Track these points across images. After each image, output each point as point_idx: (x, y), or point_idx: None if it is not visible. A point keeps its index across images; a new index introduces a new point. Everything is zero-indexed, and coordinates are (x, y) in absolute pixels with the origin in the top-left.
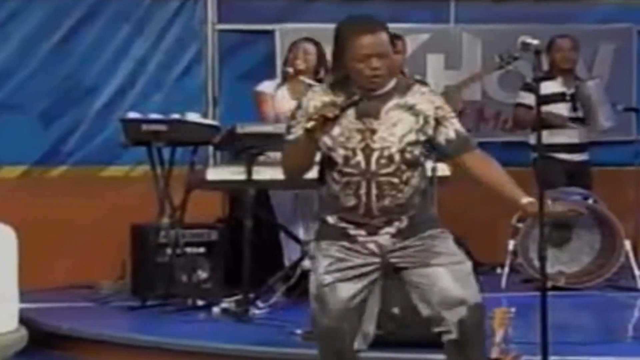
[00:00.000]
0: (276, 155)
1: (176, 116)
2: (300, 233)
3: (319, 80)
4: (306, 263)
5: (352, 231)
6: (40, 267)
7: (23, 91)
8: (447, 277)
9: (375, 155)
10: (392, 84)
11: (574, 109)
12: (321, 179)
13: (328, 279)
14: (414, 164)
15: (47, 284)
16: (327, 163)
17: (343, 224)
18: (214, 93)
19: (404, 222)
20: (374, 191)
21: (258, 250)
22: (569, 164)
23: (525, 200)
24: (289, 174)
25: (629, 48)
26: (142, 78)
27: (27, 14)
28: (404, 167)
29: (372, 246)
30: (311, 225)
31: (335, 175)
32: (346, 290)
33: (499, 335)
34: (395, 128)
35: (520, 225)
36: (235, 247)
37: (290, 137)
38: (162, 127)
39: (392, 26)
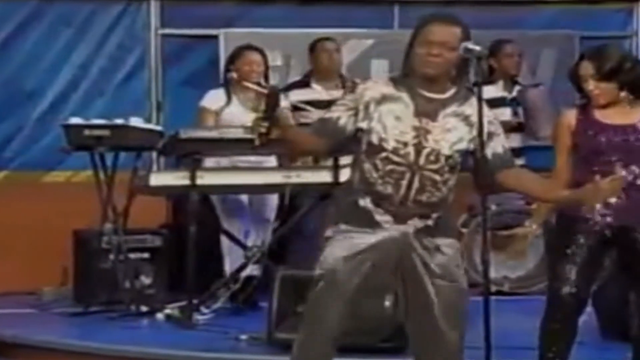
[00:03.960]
0: (219, 160)
1: (119, 121)
2: (251, 239)
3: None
4: (250, 269)
5: (379, 217)
6: None
7: None
8: (439, 309)
9: (426, 151)
10: (452, 91)
11: (515, 113)
12: (355, 166)
13: (338, 266)
14: (454, 169)
15: None
16: (370, 150)
17: (373, 207)
18: (157, 98)
19: (431, 221)
20: (415, 184)
21: (202, 256)
22: None
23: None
24: (303, 150)
25: (571, 54)
26: (84, 83)
27: None
28: (447, 168)
29: (395, 233)
30: (262, 231)
31: (379, 162)
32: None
33: None
34: (449, 134)
35: (464, 230)
36: (179, 252)
37: (327, 115)
38: (105, 132)
39: (336, 31)
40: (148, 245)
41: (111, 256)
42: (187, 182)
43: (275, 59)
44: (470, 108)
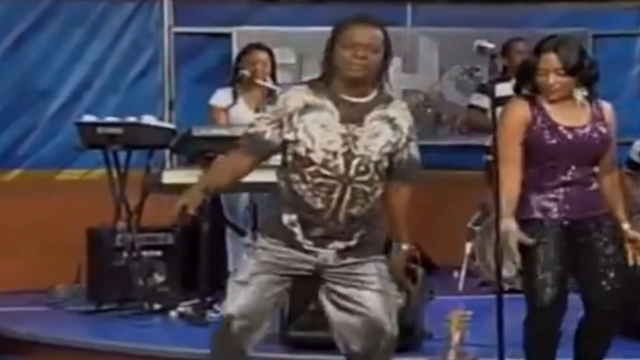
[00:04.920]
0: None
1: (132, 119)
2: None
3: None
4: None
5: (300, 238)
6: None
7: None
8: (375, 302)
9: (356, 161)
10: (374, 94)
11: None
12: (281, 176)
13: (251, 278)
14: (382, 177)
15: (2, 287)
16: (297, 162)
17: (296, 228)
18: (170, 96)
19: (354, 240)
20: (347, 197)
21: (214, 254)
22: None
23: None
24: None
25: None
26: (97, 81)
27: None
28: (376, 177)
29: (311, 258)
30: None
31: (307, 175)
32: (264, 289)
33: (455, 338)
34: (377, 138)
35: (476, 228)
36: (191, 250)
37: (251, 130)
38: (118, 130)
39: None
40: (161, 243)
41: (124, 254)
42: None
43: (289, 57)
44: (393, 110)
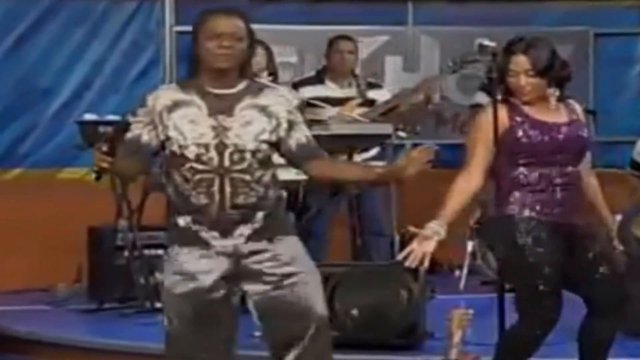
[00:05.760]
0: None
1: None
2: None
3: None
4: None
5: (205, 233)
6: None
7: None
8: (302, 288)
9: (229, 151)
10: (244, 84)
11: None
12: (166, 180)
13: (176, 290)
14: (265, 164)
15: (3, 286)
16: (174, 162)
17: (196, 227)
18: None
19: (258, 222)
20: (227, 188)
21: None
22: None
23: (380, 169)
24: (119, 171)
25: (585, 50)
26: (98, 80)
27: None
28: (256, 165)
29: (224, 250)
30: None
31: (186, 172)
32: (192, 303)
33: (457, 337)
34: (249, 126)
35: (478, 226)
36: None
37: (128, 135)
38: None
39: (350, 28)
40: (162, 241)
41: (126, 253)
42: None
43: (290, 56)
44: (265, 99)
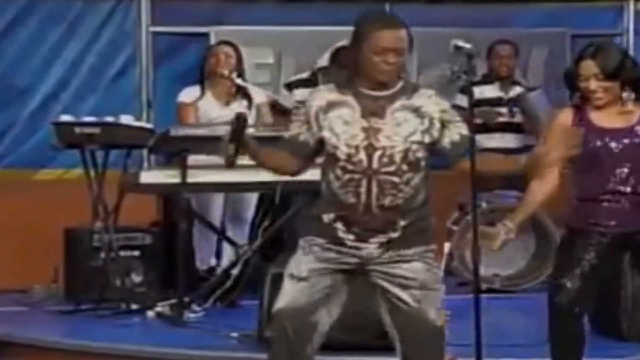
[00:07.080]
0: (209, 158)
1: (110, 119)
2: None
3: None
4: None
5: (342, 234)
6: None
7: None
8: (417, 299)
9: (378, 153)
10: (399, 85)
11: (510, 112)
12: (322, 177)
13: (303, 273)
14: (415, 166)
15: None
16: (330, 160)
17: (337, 224)
18: (148, 96)
19: (397, 232)
20: (374, 189)
21: (192, 254)
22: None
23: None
24: (275, 170)
25: (562, 52)
26: (75, 80)
27: None
28: (405, 167)
29: (356, 252)
30: (239, 229)
31: (338, 172)
32: (313, 285)
33: None
34: (399, 128)
35: (455, 227)
36: (169, 250)
37: (286, 134)
38: (96, 130)
39: (326, 28)
40: (139, 243)
41: (102, 254)
42: (177, 180)
43: (267, 57)
44: (419, 99)
